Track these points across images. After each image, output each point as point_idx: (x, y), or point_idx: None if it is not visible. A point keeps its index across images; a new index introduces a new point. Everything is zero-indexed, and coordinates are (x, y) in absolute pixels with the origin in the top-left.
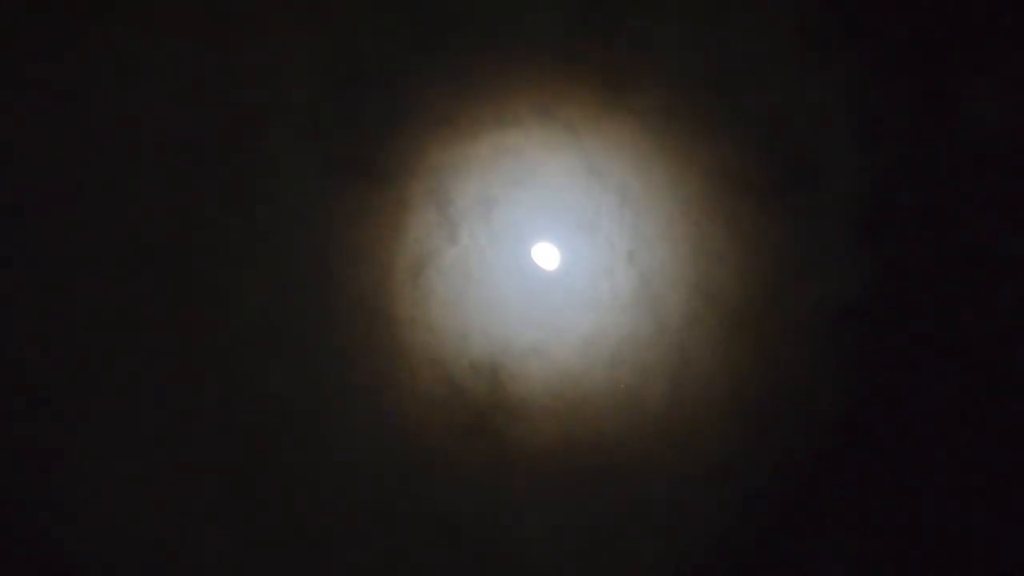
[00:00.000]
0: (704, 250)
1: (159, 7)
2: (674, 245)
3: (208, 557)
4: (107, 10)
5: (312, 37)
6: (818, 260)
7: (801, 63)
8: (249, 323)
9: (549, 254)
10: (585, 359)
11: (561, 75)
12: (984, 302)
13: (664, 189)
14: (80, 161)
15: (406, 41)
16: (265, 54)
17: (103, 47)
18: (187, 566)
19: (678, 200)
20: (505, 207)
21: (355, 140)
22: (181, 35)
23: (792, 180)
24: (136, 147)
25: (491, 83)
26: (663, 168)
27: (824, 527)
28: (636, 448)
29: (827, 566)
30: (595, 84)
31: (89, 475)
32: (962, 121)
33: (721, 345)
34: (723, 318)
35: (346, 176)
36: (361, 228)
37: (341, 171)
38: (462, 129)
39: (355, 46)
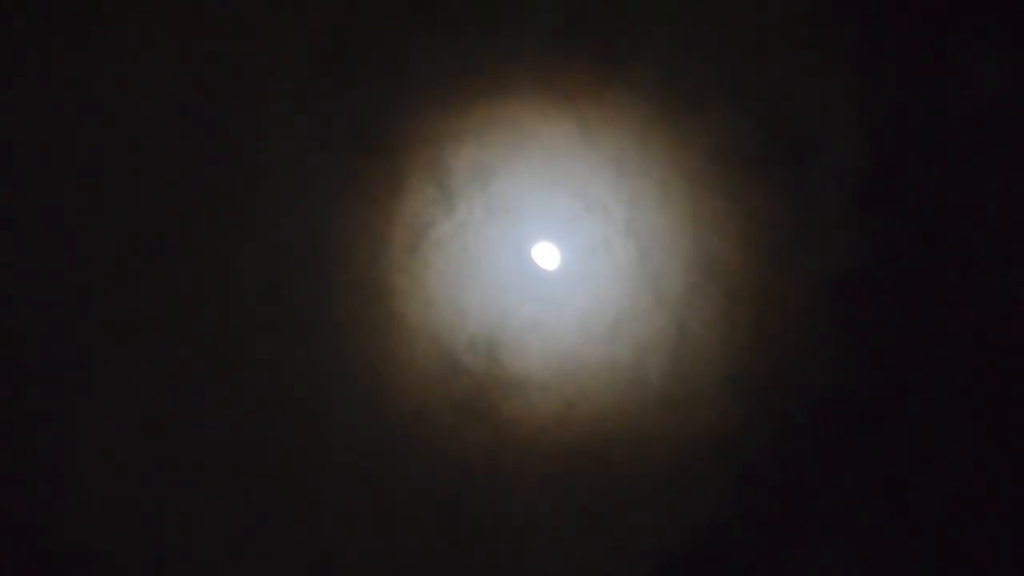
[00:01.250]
0: (703, 223)
1: None
2: (672, 218)
3: (205, 534)
4: None
5: (309, 9)
6: (817, 233)
7: (801, 36)
8: (243, 297)
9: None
10: (583, 333)
11: (560, 46)
12: (985, 276)
13: (662, 161)
14: (72, 133)
15: (404, 12)
16: (263, 26)
17: (97, 17)
18: (185, 542)
19: (676, 172)
20: (503, 178)
21: (352, 112)
22: (178, 6)
23: (791, 153)
24: (130, 119)
25: (489, 54)
26: (661, 140)
27: (823, 502)
28: (635, 423)
29: (825, 540)
30: (594, 55)
31: (85, 454)
32: (962, 94)
33: (720, 318)
34: (722, 291)
35: (343, 149)
36: (358, 201)
37: (338, 144)
38: (459, 100)
39: (352, 18)
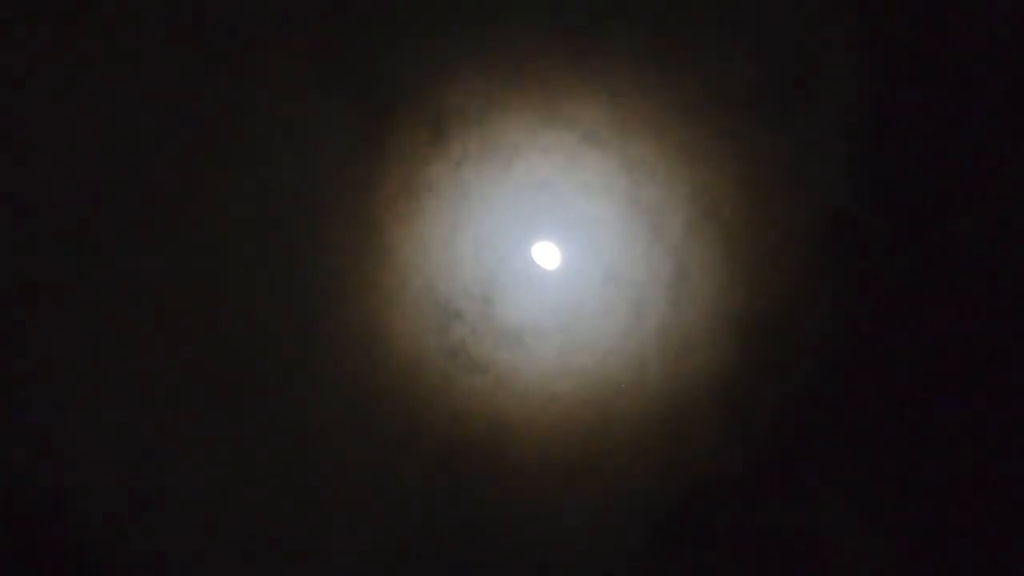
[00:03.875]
0: (701, 160)
1: None
2: (670, 155)
3: (194, 481)
4: None
5: None
6: (816, 170)
7: None
8: (237, 242)
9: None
10: (580, 277)
11: None
12: (983, 211)
13: (660, 98)
14: (65, 74)
15: None
16: None
17: None
18: (172, 491)
19: (674, 110)
20: (498, 115)
21: (344, 52)
22: None
23: (789, 90)
24: (123, 60)
25: None
26: (659, 78)
27: (819, 443)
28: (633, 368)
29: (823, 481)
30: None
31: (71, 403)
32: (961, 27)
33: (718, 257)
34: (720, 229)
35: (334, 90)
36: (352, 145)
37: (329, 85)
38: (453, 37)
39: None
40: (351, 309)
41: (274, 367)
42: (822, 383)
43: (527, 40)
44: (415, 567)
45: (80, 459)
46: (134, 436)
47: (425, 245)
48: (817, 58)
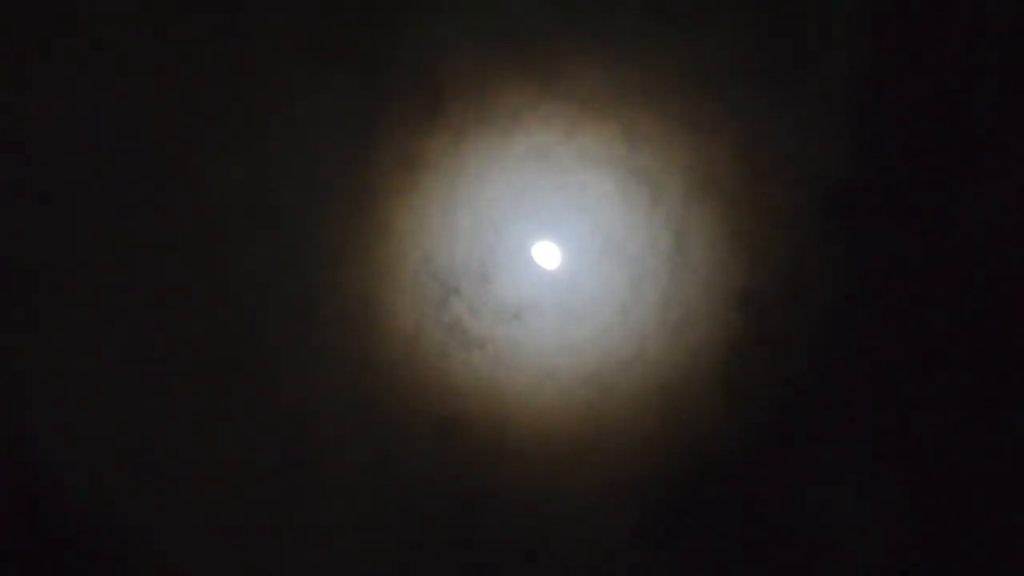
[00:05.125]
0: (701, 132)
1: None
2: (670, 126)
3: (191, 459)
4: None
5: None
6: (816, 142)
7: None
8: (233, 218)
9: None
10: (579, 251)
11: None
12: (984, 183)
13: (660, 69)
14: (58, 41)
15: None
16: None
17: None
18: (170, 468)
19: (674, 81)
20: (495, 85)
21: (341, 23)
22: None
23: (789, 63)
24: (118, 31)
25: None
26: (659, 49)
27: (819, 418)
28: (632, 344)
29: (822, 457)
30: None
31: (70, 376)
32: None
33: (718, 229)
34: (720, 201)
35: (335, 65)
36: (348, 117)
37: (327, 56)
38: (451, 10)
39: None
40: (348, 284)
41: (271, 343)
42: (822, 357)
43: (525, 10)
44: (412, 542)
45: (77, 439)
46: (131, 414)
47: (422, 218)
48: (817, 30)
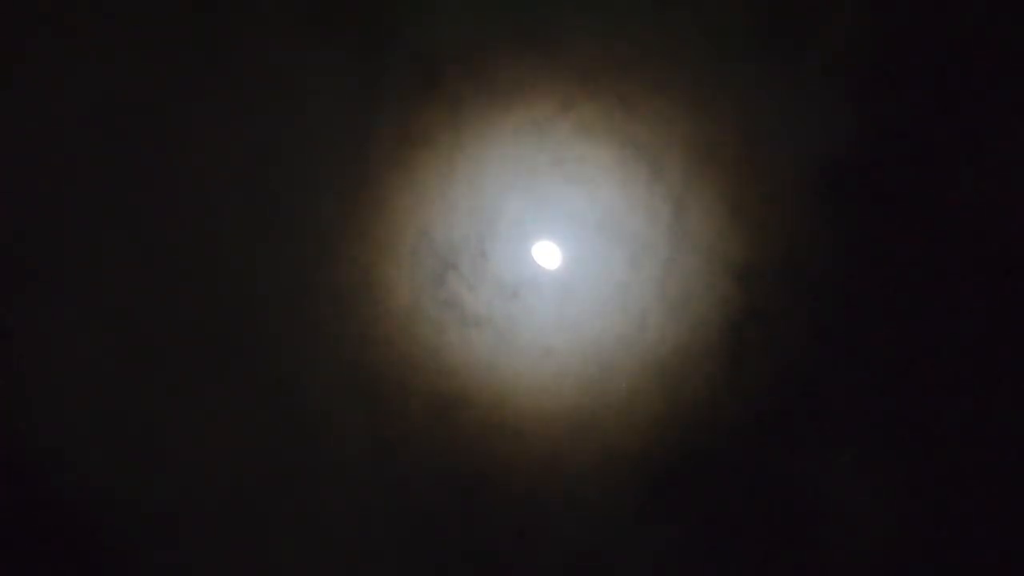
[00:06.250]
0: (700, 103)
1: None
2: (669, 99)
3: (188, 432)
4: None
5: None
6: (817, 115)
7: None
8: (228, 191)
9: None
10: (578, 227)
11: None
12: (986, 157)
13: (659, 42)
14: (54, 17)
15: None
16: None
17: None
18: (168, 442)
19: (673, 52)
20: (494, 57)
21: (341, 1)
22: None
23: (790, 36)
24: (112, 5)
25: None
26: (659, 23)
27: (820, 394)
28: (632, 320)
29: (824, 433)
30: None
31: (58, 352)
32: None
33: (718, 202)
34: (720, 174)
35: (331, 39)
36: (344, 90)
37: (327, 33)
38: None
39: None
40: (344, 259)
41: (265, 318)
42: (823, 331)
43: None
44: (408, 521)
45: (75, 413)
46: (128, 389)
47: (420, 194)
48: (819, 2)
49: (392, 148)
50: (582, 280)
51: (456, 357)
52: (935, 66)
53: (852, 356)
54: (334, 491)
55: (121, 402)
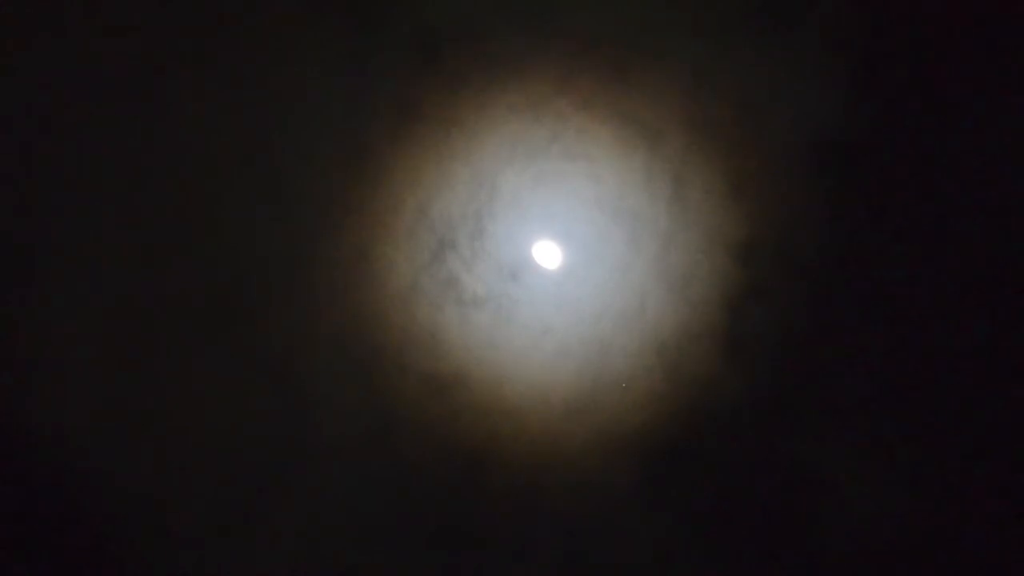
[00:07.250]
0: (699, 81)
1: None
2: (668, 74)
3: (185, 406)
4: None
5: None
6: (814, 92)
7: None
8: (227, 166)
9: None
10: (577, 202)
11: None
12: (980, 132)
13: (659, 18)
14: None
15: None
16: None
17: None
18: (156, 412)
19: (673, 30)
20: (492, 32)
21: None
22: None
23: (789, 10)
24: None
25: None
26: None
27: (818, 374)
28: (631, 297)
29: (822, 412)
30: None
31: (58, 326)
32: None
33: (717, 179)
34: (718, 151)
35: (332, 13)
36: (343, 65)
37: (326, 7)
38: None
39: None
40: (342, 235)
41: (264, 294)
42: (822, 310)
43: None
44: (405, 499)
45: (74, 396)
46: (126, 365)
47: (418, 169)
48: None
49: (391, 124)
50: (581, 258)
51: (454, 336)
52: (932, 41)
53: (852, 334)
54: (331, 469)
55: (120, 385)
